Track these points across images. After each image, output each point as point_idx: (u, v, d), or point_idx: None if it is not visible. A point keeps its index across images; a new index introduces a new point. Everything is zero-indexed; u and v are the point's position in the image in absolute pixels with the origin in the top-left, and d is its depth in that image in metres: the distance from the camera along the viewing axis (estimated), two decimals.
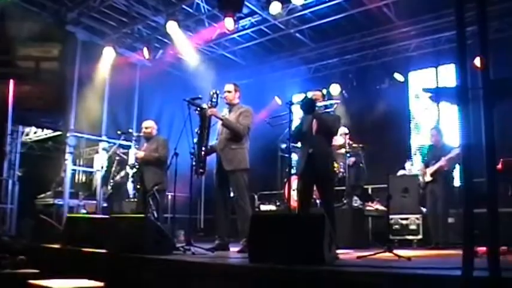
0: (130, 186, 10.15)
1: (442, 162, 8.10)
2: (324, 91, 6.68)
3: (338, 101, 6.38)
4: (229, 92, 6.84)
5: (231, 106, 6.86)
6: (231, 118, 6.68)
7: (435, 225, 8.13)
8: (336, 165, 9.09)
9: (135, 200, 8.83)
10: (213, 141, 6.86)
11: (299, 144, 6.44)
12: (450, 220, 8.43)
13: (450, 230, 8.09)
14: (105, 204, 9.93)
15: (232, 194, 6.71)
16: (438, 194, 8.16)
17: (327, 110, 6.38)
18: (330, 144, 6.40)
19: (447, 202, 8.12)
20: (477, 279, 2.63)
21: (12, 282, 5.43)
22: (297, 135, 6.19)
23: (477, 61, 2.80)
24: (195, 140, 6.57)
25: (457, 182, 8.54)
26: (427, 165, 8.40)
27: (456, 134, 9.80)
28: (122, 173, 9.26)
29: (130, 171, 8.12)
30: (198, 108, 6.56)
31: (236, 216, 6.59)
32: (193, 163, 6.55)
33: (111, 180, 8.91)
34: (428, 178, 8.29)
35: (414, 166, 8.74)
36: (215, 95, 6.64)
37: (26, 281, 5.02)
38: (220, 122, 6.69)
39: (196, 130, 6.60)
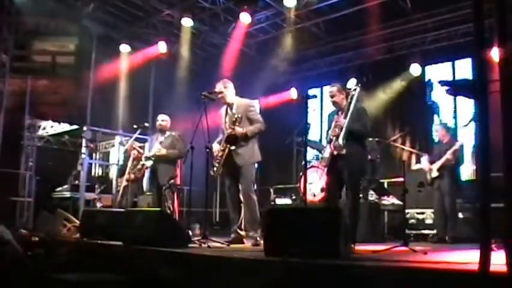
0: (146, 180, 10.20)
1: (448, 155, 8.09)
2: (338, 85, 6.52)
3: (354, 92, 6.15)
4: (220, 92, 6.71)
5: (229, 104, 6.77)
6: (238, 114, 6.63)
7: (443, 221, 8.11)
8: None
9: (151, 193, 8.88)
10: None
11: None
12: (461, 215, 8.42)
13: (463, 225, 8.08)
14: (120, 198, 9.99)
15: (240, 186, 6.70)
16: (445, 189, 8.13)
17: (352, 104, 6.17)
18: (361, 143, 6.21)
19: (454, 197, 8.11)
20: (494, 274, 2.61)
21: (29, 275, 5.48)
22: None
23: (494, 54, 2.76)
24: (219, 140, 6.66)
25: (464, 177, 8.55)
26: (432, 162, 8.37)
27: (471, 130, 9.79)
28: (138, 167, 9.30)
29: (147, 163, 8.14)
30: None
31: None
32: (214, 163, 6.61)
33: (127, 175, 8.95)
34: (435, 174, 8.27)
35: (423, 162, 8.69)
36: (239, 118, 6.54)
37: (43, 274, 5.08)
38: (227, 117, 6.68)
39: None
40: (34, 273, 5.36)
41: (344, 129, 5.85)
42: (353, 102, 6.01)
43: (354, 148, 5.95)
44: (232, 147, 6.50)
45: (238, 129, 6.48)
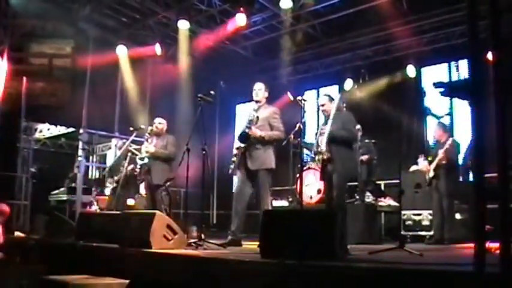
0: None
1: (440, 155, 8.05)
2: (330, 96, 6.64)
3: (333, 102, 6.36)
4: (259, 89, 6.90)
5: (259, 104, 6.89)
6: (261, 117, 6.69)
7: (440, 222, 8.08)
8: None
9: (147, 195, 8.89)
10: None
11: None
12: (459, 216, 8.40)
13: (460, 226, 8.07)
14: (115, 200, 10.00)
15: (250, 191, 6.73)
16: (442, 189, 8.09)
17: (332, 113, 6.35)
18: (348, 147, 6.34)
19: (451, 198, 8.06)
20: (489, 275, 2.62)
21: (26, 278, 5.48)
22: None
23: (489, 55, 2.77)
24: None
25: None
26: (430, 162, 8.35)
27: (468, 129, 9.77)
28: (130, 168, 9.27)
29: (140, 162, 8.14)
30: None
31: (252, 212, 6.65)
32: (232, 163, 6.69)
33: (122, 177, 8.94)
34: (431, 174, 8.23)
35: (421, 163, 8.69)
36: (256, 118, 6.66)
37: (39, 277, 5.07)
38: (250, 118, 6.74)
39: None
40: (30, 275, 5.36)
41: (326, 135, 6.04)
42: (332, 111, 6.21)
43: (340, 152, 6.08)
44: (242, 145, 6.59)
45: (257, 131, 6.57)
